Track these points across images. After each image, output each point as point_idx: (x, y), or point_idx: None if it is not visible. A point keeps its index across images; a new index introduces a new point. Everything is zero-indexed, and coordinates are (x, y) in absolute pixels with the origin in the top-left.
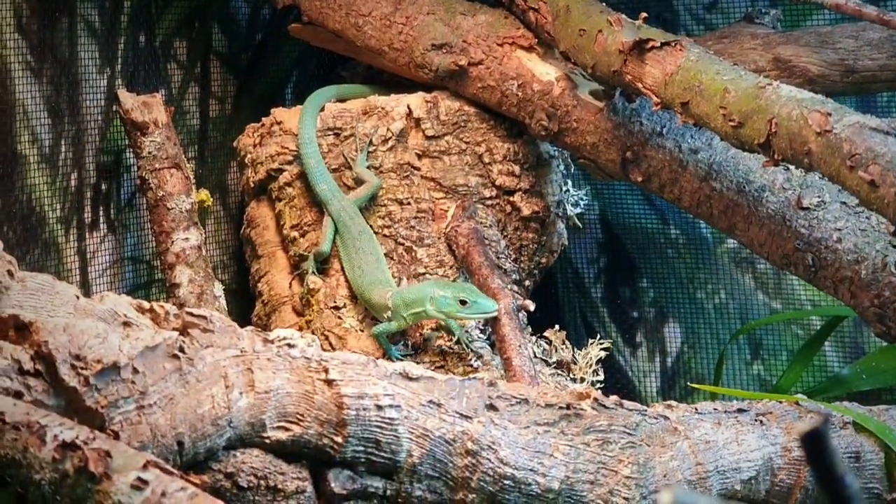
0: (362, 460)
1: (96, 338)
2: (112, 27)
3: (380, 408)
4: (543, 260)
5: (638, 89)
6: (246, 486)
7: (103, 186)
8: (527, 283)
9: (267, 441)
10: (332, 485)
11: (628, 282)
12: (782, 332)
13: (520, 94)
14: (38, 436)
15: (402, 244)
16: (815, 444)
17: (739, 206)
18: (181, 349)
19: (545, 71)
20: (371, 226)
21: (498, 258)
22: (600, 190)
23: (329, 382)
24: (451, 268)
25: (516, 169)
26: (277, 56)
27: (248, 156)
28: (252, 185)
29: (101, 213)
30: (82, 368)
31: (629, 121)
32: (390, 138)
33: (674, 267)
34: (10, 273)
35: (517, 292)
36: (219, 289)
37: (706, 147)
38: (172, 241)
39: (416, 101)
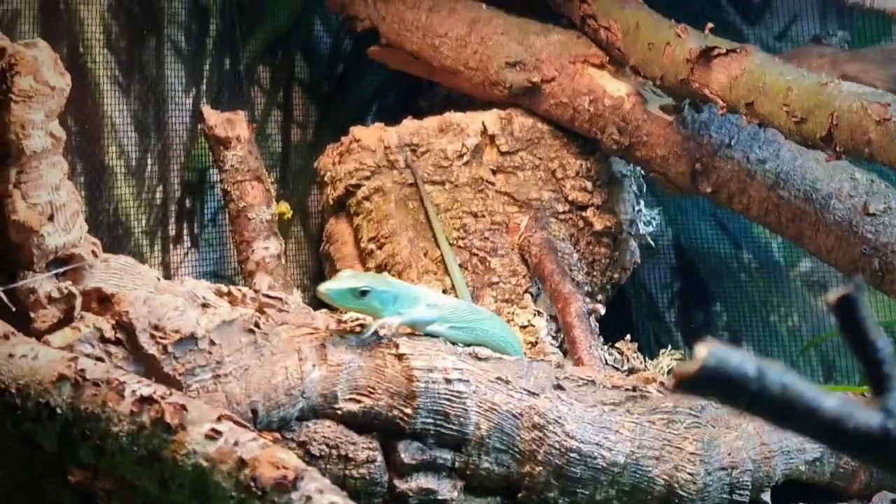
0: (431, 432)
1: (175, 310)
2: (198, 49)
3: (449, 381)
4: (616, 275)
5: (704, 95)
6: (318, 454)
7: (187, 202)
8: (599, 297)
9: (339, 412)
10: (402, 455)
11: (702, 306)
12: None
13: (591, 109)
14: (116, 391)
15: (477, 255)
16: (847, 309)
17: (807, 214)
18: (256, 324)
19: (616, 87)
20: (447, 237)
21: (570, 270)
22: (674, 216)
23: (399, 356)
24: (524, 277)
25: (588, 185)
26: (358, 86)
27: (328, 174)
28: (331, 202)
29: (184, 227)
30: (161, 338)
31: (698, 133)
32: (465, 154)
33: (747, 291)
34: (94, 253)
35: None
36: (297, 297)
37: (773, 157)
38: (253, 250)
39: (490, 117)
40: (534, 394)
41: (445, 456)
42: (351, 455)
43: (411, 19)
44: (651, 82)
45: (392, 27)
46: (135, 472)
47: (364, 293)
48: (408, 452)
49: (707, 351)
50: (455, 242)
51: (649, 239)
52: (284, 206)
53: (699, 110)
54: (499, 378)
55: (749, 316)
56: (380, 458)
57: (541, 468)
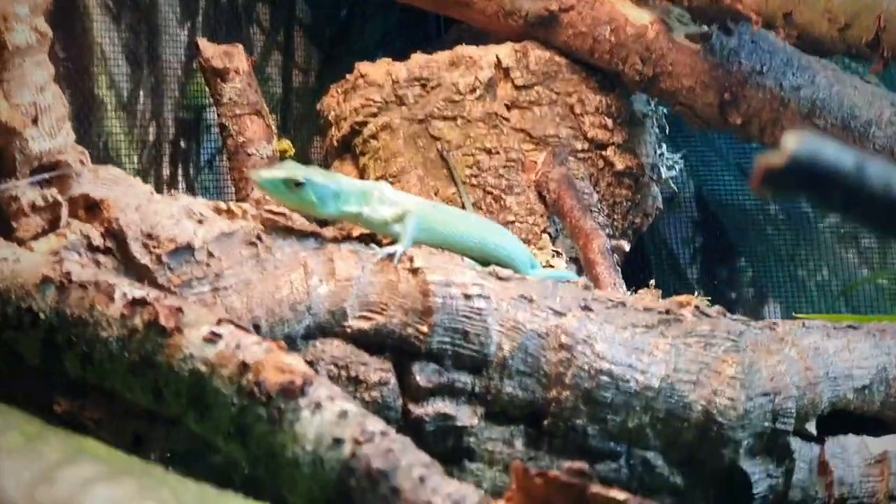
0: (449, 353)
1: (170, 218)
2: None
3: (468, 297)
4: (637, 220)
5: (737, 11)
6: (326, 375)
7: (182, 143)
8: (620, 241)
9: (348, 330)
10: (417, 377)
11: (725, 261)
12: (890, 306)
13: (613, 39)
14: (105, 293)
15: (491, 193)
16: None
17: (845, 143)
18: (259, 237)
19: (639, 15)
20: (459, 174)
21: (590, 210)
22: (695, 167)
23: (414, 271)
24: (541, 216)
25: (609, 122)
26: (362, 32)
27: (332, 113)
28: (336, 143)
29: (179, 169)
30: (154, 247)
31: (727, 61)
32: (478, 88)
33: (773, 245)
34: (81, 162)
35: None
36: None
37: (808, 84)
38: (252, 188)
39: (505, 50)
40: (560, 313)
41: (464, 379)
42: (362, 377)
43: None
44: (676, 8)
45: None
46: (126, 381)
47: (299, 185)
48: (423, 374)
49: (797, 140)
50: (468, 180)
51: (672, 184)
52: (286, 144)
53: (730, 33)
54: (522, 296)
55: (775, 270)
56: (393, 380)
57: (568, 392)
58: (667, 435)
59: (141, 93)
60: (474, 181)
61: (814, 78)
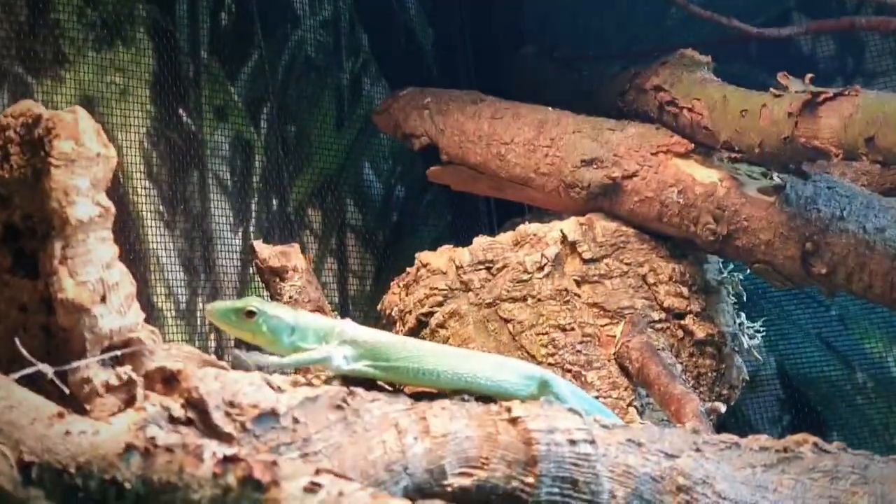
0: None
1: (251, 385)
2: (244, 187)
3: (573, 443)
4: (724, 392)
5: (814, 147)
6: None
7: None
8: (711, 417)
9: (449, 489)
10: None
11: (817, 437)
12: None
13: (681, 200)
14: (194, 455)
15: (570, 370)
16: None
17: None
18: (344, 400)
19: (706, 174)
20: (534, 355)
21: (678, 377)
22: (774, 342)
23: (513, 420)
24: (625, 389)
25: (684, 290)
26: (414, 237)
27: (395, 309)
28: None
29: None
30: (238, 414)
31: (805, 209)
32: (546, 265)
33: (865, 415)
34: (153, 340)
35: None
36: None
37: (892, 224)
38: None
39: (569, 224)
40: (673, 456)
41: None
42: None
43: (473, 130)
44: (746, 161)
45: (452, 140)
46: None
47: (251, 314)
48: None
49: None
50: (544, 359)
51: (756, 353)
52: None
53: (805, 177)
54: (629, 440)
55: (871, 441)
56: None
57: None
58: None
59: (198, 301)
60: (551, 360)
61: None
